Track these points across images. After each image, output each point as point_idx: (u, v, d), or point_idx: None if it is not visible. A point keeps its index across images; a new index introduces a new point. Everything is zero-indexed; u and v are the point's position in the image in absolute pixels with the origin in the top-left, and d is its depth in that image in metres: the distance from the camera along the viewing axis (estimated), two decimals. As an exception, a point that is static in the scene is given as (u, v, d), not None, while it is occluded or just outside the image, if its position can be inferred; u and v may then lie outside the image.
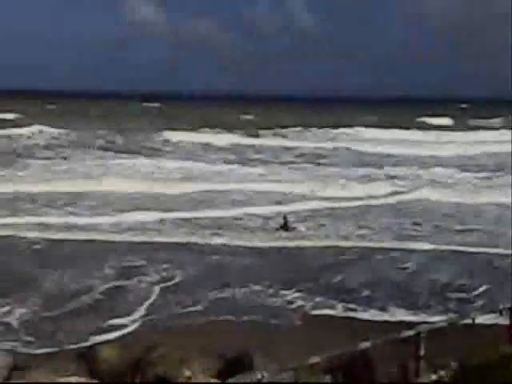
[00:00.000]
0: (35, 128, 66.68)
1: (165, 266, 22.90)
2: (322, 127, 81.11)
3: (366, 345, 10.58)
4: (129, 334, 16.30)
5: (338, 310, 19.34)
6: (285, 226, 29.17)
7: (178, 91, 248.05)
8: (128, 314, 17.84)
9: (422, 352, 10.90)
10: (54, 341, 14.79)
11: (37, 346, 14.59)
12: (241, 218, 31.32)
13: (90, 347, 11.79)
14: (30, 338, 15.24)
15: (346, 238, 28.01)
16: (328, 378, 10.90)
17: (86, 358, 11.38)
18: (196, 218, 30.75)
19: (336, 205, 34.93)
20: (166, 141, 63.79)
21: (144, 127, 73.19)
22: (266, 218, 31.56)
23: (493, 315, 11.38)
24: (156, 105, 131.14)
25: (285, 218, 29.70)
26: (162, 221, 30.01)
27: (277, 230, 29.22)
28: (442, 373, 10.33)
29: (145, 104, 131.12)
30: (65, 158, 50.13)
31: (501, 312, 10.98)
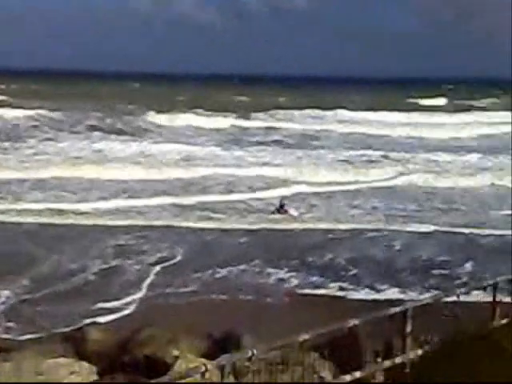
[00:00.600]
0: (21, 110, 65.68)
1: (159, 247, 23.16)
2: (312, 108, 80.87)
3: (352, 322, 10.69)
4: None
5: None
6: (281, 210, 29.31)
7: (166, 71, 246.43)
8: (126, 294, 18.05)
9: (408, 329, 11.02)
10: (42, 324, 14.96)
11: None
12: (232, 202, 31.36)
13: (79, 329, 11.86)
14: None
15: (337, 219, 28.19)
16: (315, 356, 11.00)
17: (74, 340, 11.46)
18: (186, 203, 30.74)
19: (327, 188, 34.92)
20: (154, 123, 62.74)
21: (131, 108, 72.30)
22: (259, 201, 31.61)
23: (477, 292, 11.50)
24: (137, 85, 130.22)
25: (281, 201, 29.84)
26: (152, 205, 30.02)
27: (272, 213, 29.35)
28: (427, 348, 10.43)
29: (131, 84, 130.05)
30: (51, 140, 49.51)
31: (484, 288, 11.10)
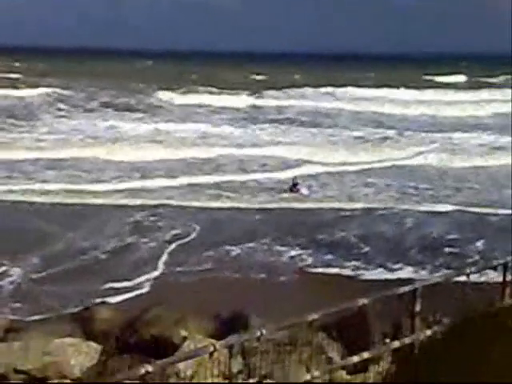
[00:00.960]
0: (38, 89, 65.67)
1: (173, 226, 23.29)
2: (322, 86, 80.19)
3: (362, 301, 10.62)
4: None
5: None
6: (293, 188, 29.29)
7: (178, 49, 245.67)
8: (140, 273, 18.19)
9: (417, 308, 10.94)
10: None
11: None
12: (245, 181, 31.23)
13: (86, 308, 11.89)
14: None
15: (350, 198, 28.12)
16: (323, 336, 10.99)
17: (82, 320, 11.49)
18: (200, 183, 30.67)
19: (340, 168, 34.65)
20: (166, 101, 62.03)
21: (143, 87, 71.96)
22: (272, 180, 31.47)
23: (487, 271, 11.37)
24: (151, 63, 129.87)
25: (294, 180, 29.78)
26: (166, 185, 29.98)
27: (285, 191, 29.32)
28: (436, 328, 10.35)
29: (142, 62, 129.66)
30: (66, 118, 49.60)
31: (495, 268, 10.98)
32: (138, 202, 26.80)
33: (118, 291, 16.73)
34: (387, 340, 10.71)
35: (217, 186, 29.90)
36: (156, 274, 18.57)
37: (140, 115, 52.62)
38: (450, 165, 36.20)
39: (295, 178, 30.13)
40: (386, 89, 76.69)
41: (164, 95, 64.14)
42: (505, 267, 10.71)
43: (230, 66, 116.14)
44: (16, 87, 64.98)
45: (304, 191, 29.20)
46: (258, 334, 8.96)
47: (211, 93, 67.96)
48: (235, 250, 21.01)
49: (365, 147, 40.98)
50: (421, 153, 39.19)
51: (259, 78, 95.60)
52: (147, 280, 18.02)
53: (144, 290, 17.24)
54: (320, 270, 19.72)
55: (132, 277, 18.15)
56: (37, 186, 28.61)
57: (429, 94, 74.81)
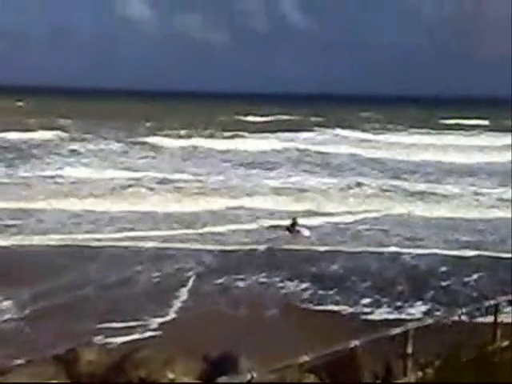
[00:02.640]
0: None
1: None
2: (325, 127, 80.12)
3: (353, 343, 10.50)
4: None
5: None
6: (292, 229, 29.11)
7: (168, 89, 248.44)
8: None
9: (409, 350, 10.80)
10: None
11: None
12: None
13: (71, 350, 11.69)
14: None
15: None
16: (312, 378, 10.80)
17: (66, 362, 11.28)
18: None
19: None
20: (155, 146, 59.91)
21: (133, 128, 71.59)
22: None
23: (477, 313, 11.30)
24: (144, 103, 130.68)
25: (294, 220, 29.53)
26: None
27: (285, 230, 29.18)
28: (429, 371, 10.21)
29: (133, 102, 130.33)
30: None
31: (486, 309, 10.90)
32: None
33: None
34: (379, 382, 10.54)
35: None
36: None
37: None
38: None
39: (295, 218, 29.95)
40: (399, 133, 75.37)
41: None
42: (496, 308, 10.64)
43: (218, 106, 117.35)
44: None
45: (305, 233, 29.11)
46: (249, 377, 8.81)
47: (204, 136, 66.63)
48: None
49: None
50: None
51: (250, 118, 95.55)
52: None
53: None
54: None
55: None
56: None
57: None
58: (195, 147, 58.64)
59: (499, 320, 10.63)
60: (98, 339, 15.03)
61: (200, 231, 28.89)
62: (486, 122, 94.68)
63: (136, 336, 15.92)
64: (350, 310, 19.35)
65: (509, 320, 10.60)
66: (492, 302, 10.74)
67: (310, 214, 32.90)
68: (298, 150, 59.15)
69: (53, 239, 26.48)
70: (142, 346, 12.23)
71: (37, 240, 26.26)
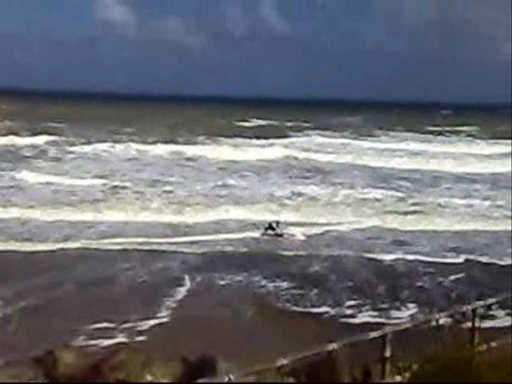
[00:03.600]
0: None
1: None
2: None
3: (331, 346, 10.53)
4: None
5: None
6: (270, 228, 29.47)
7: (148, 93, 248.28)
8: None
9: (387, 354, 10.86)
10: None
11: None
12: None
13: (50, 352, 11.62)
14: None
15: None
16: (291, 380, 10.82)
17: (45, 363, 11.21)
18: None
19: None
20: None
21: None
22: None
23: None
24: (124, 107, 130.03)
25: (273, 223, 29.80)
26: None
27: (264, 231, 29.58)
28: (406, 375, 10.27)
29: (113, 106, 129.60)
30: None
31: (464, 314, 10.98)
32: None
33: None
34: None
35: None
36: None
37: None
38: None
39: (277, 222, 29.99)
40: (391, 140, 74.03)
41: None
42: (473, 313, 10.72)
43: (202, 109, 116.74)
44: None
45: (300, 236, 29.13)
46: (226, 379, 8.80)
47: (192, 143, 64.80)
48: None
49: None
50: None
51: (232, 123, 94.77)
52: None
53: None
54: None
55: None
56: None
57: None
58: (179, 153, 57.19)
59: (477, 324, 10.73)
60: (77, 341, 14.94)
61: (184, 239, 28.44)
62: (473, 129, 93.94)
63: (116, 339, 15.86)
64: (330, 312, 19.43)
65: (486, 324, 10.71)
66: (470, 307, 10.84)
67: (296, 221, 32.46)
68: (285, 156, 57.86)
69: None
70: (121, 348, 12.14)
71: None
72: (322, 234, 29.91)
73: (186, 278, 22.56)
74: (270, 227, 29.60)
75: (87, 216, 32.14)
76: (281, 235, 29.21)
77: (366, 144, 69.64)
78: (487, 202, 38.91)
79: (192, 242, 27.72)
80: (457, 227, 32.10)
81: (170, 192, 38.98)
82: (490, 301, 11.29)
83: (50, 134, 63.51)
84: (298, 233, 29.51)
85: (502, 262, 25.48)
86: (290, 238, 28.99)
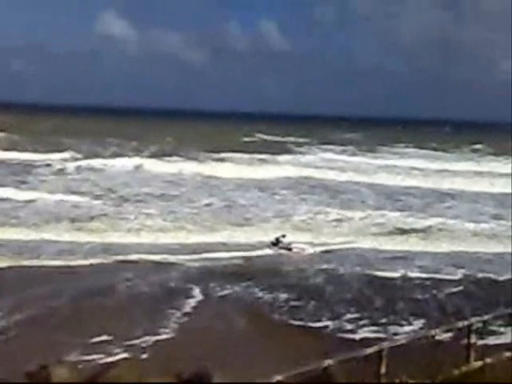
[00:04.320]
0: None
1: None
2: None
3: (327, 362, 10.49)
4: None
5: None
6: (277, 243, 29.23)
7: (148, 107, 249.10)
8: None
9: (383, 369, 10.81)
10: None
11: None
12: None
13: (44, 367, 11.52)
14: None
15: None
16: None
17: (38, 379, 11.12)
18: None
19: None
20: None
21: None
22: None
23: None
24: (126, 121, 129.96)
25: (279, 237, 29.62)
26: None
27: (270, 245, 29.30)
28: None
29: (113, 120, 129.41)
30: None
31: (460, 329, 10.94)
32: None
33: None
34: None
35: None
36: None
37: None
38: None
39: (282, 235, 29.83)
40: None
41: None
42: (469, 329, 10.67)
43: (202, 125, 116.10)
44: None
45: (309, 249, 29.11)
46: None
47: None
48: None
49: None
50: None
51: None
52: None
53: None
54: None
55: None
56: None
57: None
58: (180, 170, 55.57)
59: (473, 341, 10.68)
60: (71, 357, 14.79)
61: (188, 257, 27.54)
62: (479, 147, 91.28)
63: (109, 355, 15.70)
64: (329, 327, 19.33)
65: (482, 341, 10.65)
66: (466, 323, 10.79)
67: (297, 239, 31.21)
68: (285, 174, 55.78)
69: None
70: (114, 364, 12.06)
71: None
72: (324, 252, 29.45)
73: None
74: (277, 241, 29.41)
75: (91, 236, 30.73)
76: (290, 249, 29.02)
77: (367, 160, 68.98)
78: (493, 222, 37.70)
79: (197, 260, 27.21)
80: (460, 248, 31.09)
81: (173, 212, 37.00)
82: (486, 317, 11.26)
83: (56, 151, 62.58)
84: (306, 246, 29.38)
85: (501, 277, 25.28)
86: (300, 252, 28.80)
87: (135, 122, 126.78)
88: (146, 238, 30.72)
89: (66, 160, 58.48)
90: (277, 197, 44.44)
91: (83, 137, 78.55)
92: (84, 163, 56.67)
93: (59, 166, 54.96)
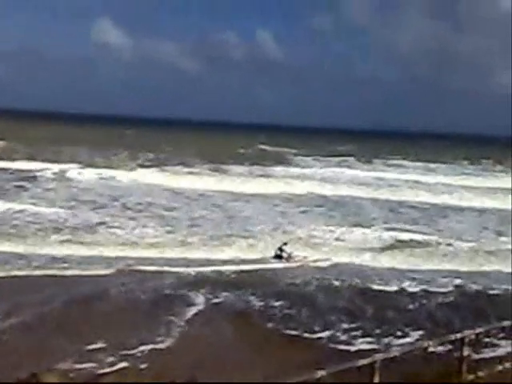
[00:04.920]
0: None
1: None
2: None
3: (319, 373, 10.45)
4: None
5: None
6: (279, 254, 28.92)
7: (143, 116, 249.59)
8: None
9: (376, 380, 10.78)
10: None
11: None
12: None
13: (33, 374, 11.44)
14: None
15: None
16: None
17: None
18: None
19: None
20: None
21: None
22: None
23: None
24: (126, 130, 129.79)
25: (282, 246, 29.33)
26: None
27: (275, 257, 28.94)
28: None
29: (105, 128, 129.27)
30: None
31: (452, 342, 10.92)
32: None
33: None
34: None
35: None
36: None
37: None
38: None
39: (283, 244, 29.60)
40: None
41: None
42: (462, 342, 10.66)
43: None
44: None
45: (311, 258, 28.90)
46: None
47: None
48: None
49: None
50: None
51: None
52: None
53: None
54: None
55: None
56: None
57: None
58: (177, 180, 54.78)
59: (465, 354, 10.66)
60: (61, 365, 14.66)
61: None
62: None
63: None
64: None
65: (475, 354, 10.63)
66: (458, 336, 10.77)
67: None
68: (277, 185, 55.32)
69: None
70: (106, 372, 11.97)
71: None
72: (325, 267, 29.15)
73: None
74: (280, 250, 29.14)
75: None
76: (292, 257, 28.74)
77: (364, 173, 68.44)
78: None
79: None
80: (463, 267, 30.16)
81: (171, 227, 35.63)
82: (478, 330, 11.25)
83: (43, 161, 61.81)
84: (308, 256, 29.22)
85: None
86: (303, 260, 28.65)
87: (131, 131, 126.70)
88: (144, 250, 30.04)
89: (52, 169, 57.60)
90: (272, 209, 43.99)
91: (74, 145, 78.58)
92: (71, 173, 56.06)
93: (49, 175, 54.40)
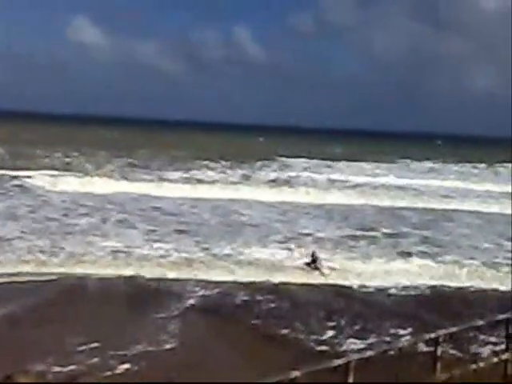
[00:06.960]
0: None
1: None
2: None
3: (294, 374, 10.49)
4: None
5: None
6: (312, 265, 27.49)
7: (120, 116, 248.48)
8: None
9: (350, 380, 10.85)
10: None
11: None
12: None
13: (8, 376, 11.34)
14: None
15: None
16: (254, 408, 10.71)
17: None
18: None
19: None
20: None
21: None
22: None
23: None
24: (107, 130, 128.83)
25: (314, 255, 27.98)
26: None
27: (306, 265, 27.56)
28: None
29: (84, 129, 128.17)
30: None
31: (426, 342, 11.03)
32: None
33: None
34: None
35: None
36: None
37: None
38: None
39: (314, 252, 28.26)
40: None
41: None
42: (436, 341, 10.78)
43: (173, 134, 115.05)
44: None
45: (325, 270, 27.16)
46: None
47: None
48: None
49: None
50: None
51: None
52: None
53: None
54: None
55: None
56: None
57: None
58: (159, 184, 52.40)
59: (439, 353, 10.78)
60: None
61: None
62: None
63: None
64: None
65: (448, 353, 10.76)
66: (432, 335, 10.88)
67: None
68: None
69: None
70: (82, 374, 11.91)
71: None
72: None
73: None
74: (313, 257, 27.77)
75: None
76: (309, 265, 27.54)
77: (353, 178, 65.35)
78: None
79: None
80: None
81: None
82: (452, 329, 11.36)
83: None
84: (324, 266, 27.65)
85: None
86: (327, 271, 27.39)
87: (111, 132, 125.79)
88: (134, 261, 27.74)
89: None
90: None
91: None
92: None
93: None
